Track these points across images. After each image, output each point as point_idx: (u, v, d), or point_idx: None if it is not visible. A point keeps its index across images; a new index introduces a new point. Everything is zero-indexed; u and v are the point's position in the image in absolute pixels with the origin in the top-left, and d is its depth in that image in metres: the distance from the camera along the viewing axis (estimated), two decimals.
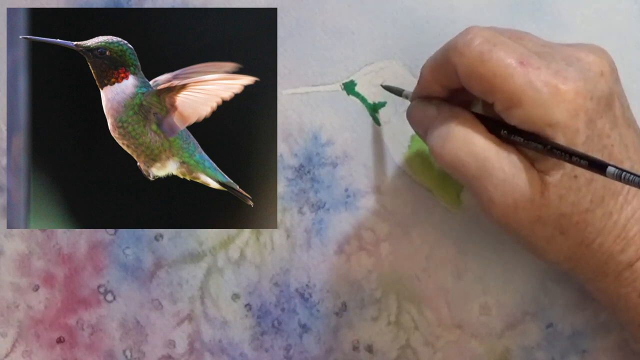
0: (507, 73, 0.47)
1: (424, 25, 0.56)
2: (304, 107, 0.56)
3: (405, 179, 0.56)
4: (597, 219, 0.48)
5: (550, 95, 0.46)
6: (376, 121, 0.56)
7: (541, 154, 0.47)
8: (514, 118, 0.47)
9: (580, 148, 0.47)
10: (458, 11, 0.56)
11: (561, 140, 0.47)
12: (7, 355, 0.57)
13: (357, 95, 0.56)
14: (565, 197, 0.48)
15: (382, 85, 0.55)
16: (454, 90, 0.50)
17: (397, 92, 0.55)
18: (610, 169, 0.44)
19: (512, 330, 0.57)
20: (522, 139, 0.48)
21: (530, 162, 0.48)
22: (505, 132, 0.48)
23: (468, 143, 0.48)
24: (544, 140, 0.47)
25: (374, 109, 0.56)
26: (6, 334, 0.57)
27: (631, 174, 0.44)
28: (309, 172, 0.56)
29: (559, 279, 0.56)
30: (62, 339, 0.57)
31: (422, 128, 0.51)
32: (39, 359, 0.57)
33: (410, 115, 0.52)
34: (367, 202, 0.56)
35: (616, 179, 0.44)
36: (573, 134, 0.47)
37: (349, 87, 0.56)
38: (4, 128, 0.57)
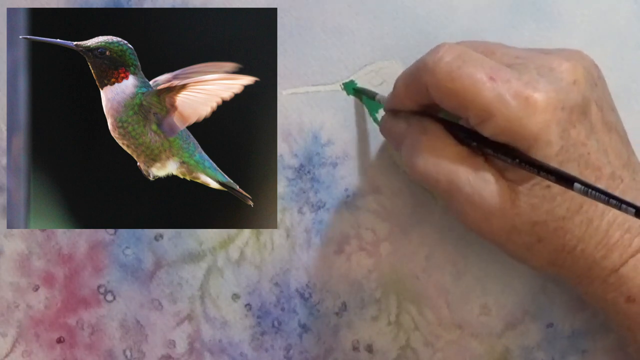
0: (476, 89, 0.47)
1: (423, 25, 0.56)
2: (304, 107, 0.56)
3: (405, 179, 0.56)
4: (576, 226, 0.48)
5: (520, 107, 0.46)
6: (376, 121, 0.56)
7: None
8: (487, 131, 0.47)
9: (554, 159, 0.47)
10: (458, 11, 0.56)
11: (534, 152, 0.47)
12: (7, 355, 0.57)
13: (357, 95, 0.56)
14: (538, 205, 0.48)
15: (354, 88, 0.56)
16: (426, 105, 0.50)
17: (371, 95, 0.55)
18: (577, 185, 0.44)
19: (512, 330, 0.57)
20: (491, 152, 0.48)
21: (500, 173, 0.48)
22: (475, 144, 0.48)
23: (437, 158, 0.48)
24: (512, 154, 0.47)
25: (374, 109, 0.56)
26: (6, 334, 0.57)
27: (596, 190, 0.44)
28: (309, 172, 0.56)
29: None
30: (62, 339, 0.57)
31: (393, 141, 0.52)
32: (39, 359, 0.57)
33: (383, 129, 0.53)
34: (367, 202, 0.56)
35: (583, 195, 0.44)
36: (545, 145, 0.47)
37: (349, 87, 0.56)
38: (4, 128, 0.57)
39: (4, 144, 0.57)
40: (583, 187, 0.44)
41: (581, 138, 0.48)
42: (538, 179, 0.47)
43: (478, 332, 0.57)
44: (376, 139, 0.56)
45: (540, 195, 0.48)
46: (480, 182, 0.48)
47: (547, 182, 0.47)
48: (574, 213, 0.48)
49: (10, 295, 0.57)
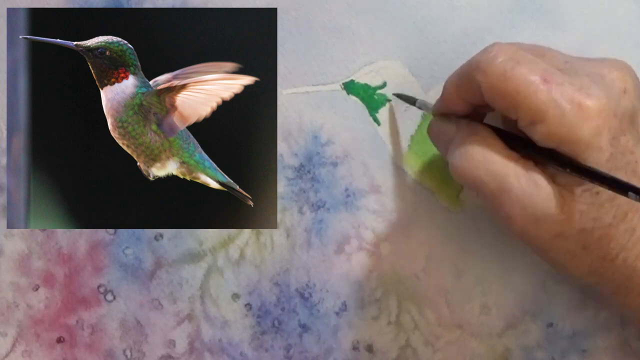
0: (530, 90, 0.46)
1: (424, 25, 0.56)
2: (304, 106, 0.56)
3: (405, 179, 0.56)
4: (620, 234, 0.48)
5: (573, 112, 0.46)
6: (376, 121, 0.56)
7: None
8: (537, 134, 0.47)
9: (604, 165, 0.46)
10: (458, 11, 0.56)
11: (584, 158, 0.46)
12: (7, 355, 0.57)
13: (358, 94, 0.56)
14: (587, 212, 0.47)
15: (394, 94, 0.55)
16: (477, 106, 0.50)
17: (411, 101, 0.55)
18: (631, 194, 0.44)
19: (512, 330, 0.57)
20: (542, 159, 0.48)
21: (551, 177, 0.48)
22: (524, 151, 0.48)
23: (486, 161, 0.48)
24: (564, 160, 0.47)
25: (374, 108, 0.56)
26: (6, 334, 0.57)
27: None
28: (309, 171, 0.56)
29: (560, 278, 0.56)
30: (62, 338, 0.57)
31: (442, 145, 0.52)
32: (39, 359, 0.57)
33: (431, 132, 0.53)
34: (367, 202, 0.56)
35: (638, 202, 0.44)
36: (596, 151, 0.46)
37: (349, 87, 0.56)
38: (4, 128, 0.57)
39: (4, 144, 0.57)
40: (638, 197, 0.44)
41: (629, 146, 0.47)
42: (588, 185, 0.47)
43: (478, 332, 0.57)
44: (376, 139, 0.56)
45: (589, 202, 0.47)
46: (531, 185, 0.47)
47: (597, 189, 0.47)
48: (620, 221, 0.48)
49: (10, 295, 0.57)
